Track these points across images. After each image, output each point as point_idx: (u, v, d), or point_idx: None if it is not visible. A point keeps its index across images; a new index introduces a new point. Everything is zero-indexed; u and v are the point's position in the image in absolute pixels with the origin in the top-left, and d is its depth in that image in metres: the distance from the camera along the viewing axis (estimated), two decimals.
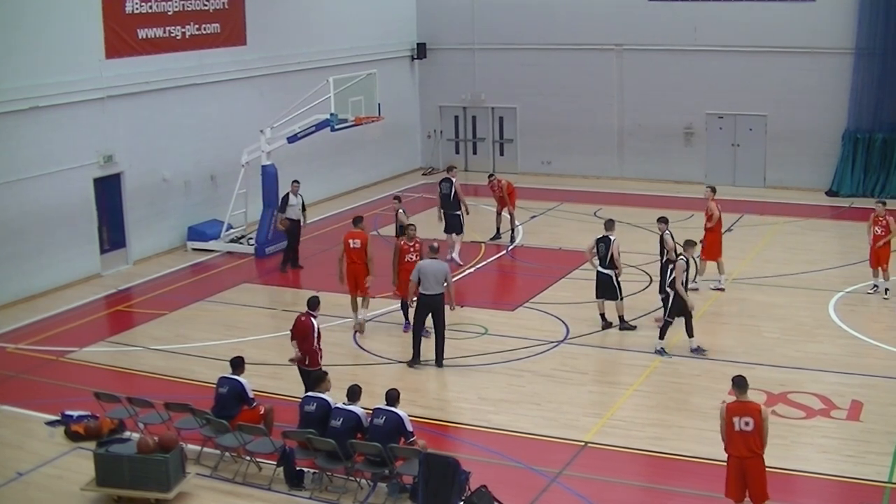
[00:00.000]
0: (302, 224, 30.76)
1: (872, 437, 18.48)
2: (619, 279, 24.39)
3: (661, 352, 22.54)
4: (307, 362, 19.56)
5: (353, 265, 24.39)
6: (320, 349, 19.61)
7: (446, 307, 22.42)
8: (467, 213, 30.96)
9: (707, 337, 23.66)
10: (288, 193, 30.52)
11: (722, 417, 15.18)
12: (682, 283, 22.32)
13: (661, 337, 22.72)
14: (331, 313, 26.07)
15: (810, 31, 38.08)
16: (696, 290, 26.69)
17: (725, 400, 15.79)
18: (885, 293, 26.10)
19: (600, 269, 24.37)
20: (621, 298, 24.45)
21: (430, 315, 22.42)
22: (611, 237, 24.32)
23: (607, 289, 24.43)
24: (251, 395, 18.38)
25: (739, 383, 15.37)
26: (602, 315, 24.53)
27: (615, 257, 24.16)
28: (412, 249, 24.00)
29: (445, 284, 22.28)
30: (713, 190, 28.19)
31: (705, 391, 20.56)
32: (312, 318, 19.63)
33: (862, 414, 19.41)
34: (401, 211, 27.98)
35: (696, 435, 18.64)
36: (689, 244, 23.04)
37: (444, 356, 22.48)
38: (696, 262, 26.91)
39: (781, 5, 38.49)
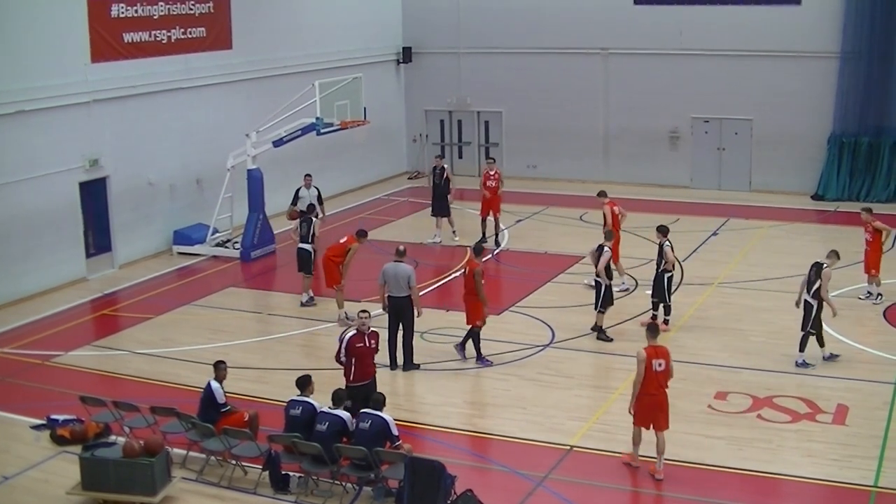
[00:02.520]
0: (320, 216, 30.74)
1: (858, 441, 18.54)
2: (610, 289, 24.12)
3: (805, 364, 22.18)
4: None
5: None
6: (353, 366, 19.05)
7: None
8: None
9: (693, 341, 23.74)
10: (300, 187, 31.32)
11: (641, 361, 17.36)
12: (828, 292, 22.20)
13: (802, 349, 22.35)
14: (317, 317, 26.15)
15: (796, 34, 38.19)
16: (627, 291, 27.45)
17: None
18: (877, 298, 26.15)
19: (597, 278, 24.17)
20: (602, 310, 24.06)
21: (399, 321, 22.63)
22: (605, 246, 24.16)
23: (595, 298, 24.22)
24: (221, 399, 18.31)
25: (653, 329, 17.94)
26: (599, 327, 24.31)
27: (599, 266, 23.96)
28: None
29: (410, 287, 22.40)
30: (605, 194, 28.50)
31: (690, 395, 20.58)
32: (347, 332, 19.28)
33: (847, 418, 19.46)
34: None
35: (681, 439, 18.64)
36: (834, 254, 22.88)
37: (430, 359, 22.54)
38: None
39: (767, 9, 38.57)
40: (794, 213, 36.45)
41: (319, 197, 31.52)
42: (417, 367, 22.58)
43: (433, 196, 33.39)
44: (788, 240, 32.92)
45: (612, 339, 24.00)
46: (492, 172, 32.23)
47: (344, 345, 18.89)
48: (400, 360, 22.58)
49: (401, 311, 22.45)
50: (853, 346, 23.14)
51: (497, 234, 32.52)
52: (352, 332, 18.99)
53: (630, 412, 17.64)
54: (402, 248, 23.12)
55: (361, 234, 25.79)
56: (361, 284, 26.54)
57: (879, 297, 26.21)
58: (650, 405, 17.46)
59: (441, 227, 33.24)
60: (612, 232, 25.26)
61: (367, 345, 19.04)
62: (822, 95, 38.22)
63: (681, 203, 37.88)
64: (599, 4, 41.19)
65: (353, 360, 18.86)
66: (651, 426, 17.55)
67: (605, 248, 23.99)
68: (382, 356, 22.70)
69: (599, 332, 24.16)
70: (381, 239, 33.02)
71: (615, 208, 27.85)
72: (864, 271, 26.67)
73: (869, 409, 19.89)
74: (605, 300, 24.00)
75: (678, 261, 27.10)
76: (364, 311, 19.40)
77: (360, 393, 18.35)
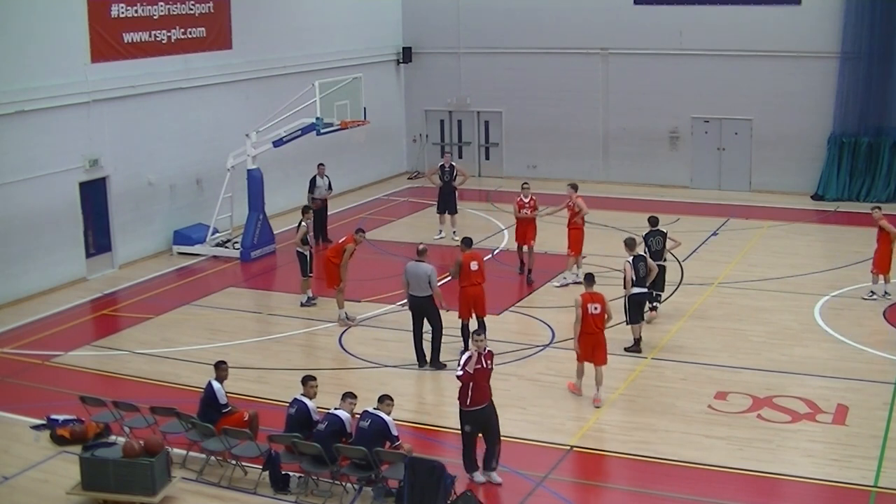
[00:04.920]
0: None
1: (858, 440, 18.54)
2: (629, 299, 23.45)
3: None
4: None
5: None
6: (470, 390, 17.28)
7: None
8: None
9: (693, 341, 23.73)
10: (315, 176, 33.29)
11: (579, 306, 20.25)
12: None
13: None
14: (317, 317, 26.14)
15: (796, 35, 38.19)
16: (566, 285, 27.97)
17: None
18: (884, 295, 26.24)
19: (639, 289, 23.04)
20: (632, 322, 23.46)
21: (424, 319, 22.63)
22: (644, 254, 23.74)
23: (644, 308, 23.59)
24: (223, 399, 18.31)
25: (590, 279, 20.84)
26: (638, 340, 23.35)
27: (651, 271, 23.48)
28: None
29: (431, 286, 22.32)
30: (575, 188, 28.69)
31: (690, 395, 20.60)
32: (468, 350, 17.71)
33: (847, 418, 19.45)
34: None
35: (681, 439, 18.68)
36: None
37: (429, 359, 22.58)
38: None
39: (767, 9, 38.58)
40: (794, 213, 36.44)
41: (330, 185, 33.42)
42: (444, 366, 22.52)
43: (441, 193, 33.50)
44: (788, 240, 32.92)
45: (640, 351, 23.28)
46: (526, 199, 29.14)
47: (460, 365, 17.17)
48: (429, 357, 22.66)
49: (424, 311, 22.44)
50: (853, 346, 23.15)
51: (531, 269, 29.22)
52: (468, 354, 17.29)
53: (575, 350, 20.62)
54: (422, 247, 23.05)
55: (359, 233, 25.79)
56: (362, 285, 26.52)
57: (886, 294, 26.25)
58: (589, 343, 20.39)
59: (444, 223, 33.35)
60: (634, 240, 24.11)
61: (485, 366, 17.29)
62: (822, 95, 38.23)
63: (681, 203, 37.87)
64: (599, 4, 41.17)
65: (471, 384, 17.16)
66: (592, 360, 20.42)
67: (627, 261, 23.16)
68: (394, 358, 22.86)
69: (636, 344, 23.30)
70: (381, 239, 33.12)
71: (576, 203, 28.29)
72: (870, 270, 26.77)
73: (869, 409, 19.88)
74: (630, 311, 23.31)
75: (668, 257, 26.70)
76: (478, 332, 17.86)
77: (480, 418, 17.27)
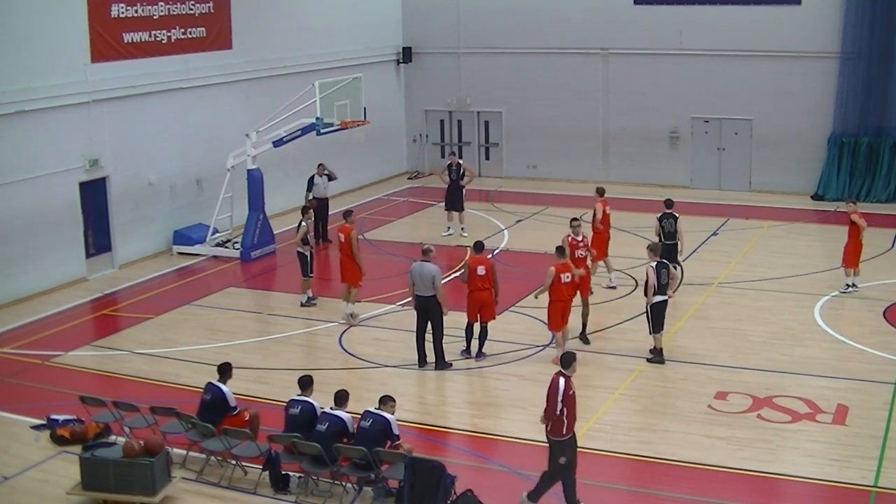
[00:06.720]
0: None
1: (858, 440, 18.52)
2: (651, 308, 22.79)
3: None
4: (549, 429, 16.10)
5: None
6: (565, 417, 15.94)
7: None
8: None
9: (693, 341, 23.73)
10: (313, 175, 33.52)
11: (550, 276, 21.91)
12: None
13: None
14: (317, 317, 26.14)
15: (796, 35, 38.19)
16: (614, 288, 27.78)
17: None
18: (848, 288, 26.66)
19: (661, 297, 22.31)
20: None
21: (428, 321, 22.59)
22: (665, 261, 23.02)
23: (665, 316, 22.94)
24: (233, 402, 18.28)
25: (561, 251, 22.53)
26: (660, 350, 22.73)
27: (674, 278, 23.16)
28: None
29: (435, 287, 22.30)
30: (601, 192, 28.45)
31: (691, 395, 20.60)
32: (561, 377, 16.06)
33: (847, 418, 19.44)
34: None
35: (681, 439, 18.67)
36: None
37: (429, 359, 22.53)
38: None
39: (767, 9, 38.57)
40: (794, 213, 36.44)
41: (330, 179, 34.01)
42: (450, 365, 22.52)
43: (449, 191, 33.73)
44: (788, 240, 32.92)
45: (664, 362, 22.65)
46: (579, 239, 24.68)
47: (561, 395, 15.76)
48: (429, 358, 22.59)
49: (428, 311, 22.43)
50: (853, 346, 23.14)
51: (585, 326, 24.27)
52: (563, 380, 15.93)
53: (536, 297, 22.92)
54: (427, 247, 23.05)
55: (347, 215, 25.90)
56: (362, 284, 26.48)
57: (850, 287, 26.76)
58: (559, 309, 22.15)
59: (453, 220, 33.59)
60: (658, 245, 23.61)
61: (574, 391, 16.10)
62: (821, 95, 38.23)
63: (681, 203, 37.53)
64: (599, 4, 41.17)
65: (566, 410, 15.86)
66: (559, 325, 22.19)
67: (650, 265, 22.39)
68: (395, 358, 22.85)
69: (657, 354, 22.71)
70: (381, 239, 33.10)
71: (607, 207, 27.87)
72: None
73: (869, 409, 19.87)
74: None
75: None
76: (572, 359, 16.29)
77: (575, 444, 16.13)
